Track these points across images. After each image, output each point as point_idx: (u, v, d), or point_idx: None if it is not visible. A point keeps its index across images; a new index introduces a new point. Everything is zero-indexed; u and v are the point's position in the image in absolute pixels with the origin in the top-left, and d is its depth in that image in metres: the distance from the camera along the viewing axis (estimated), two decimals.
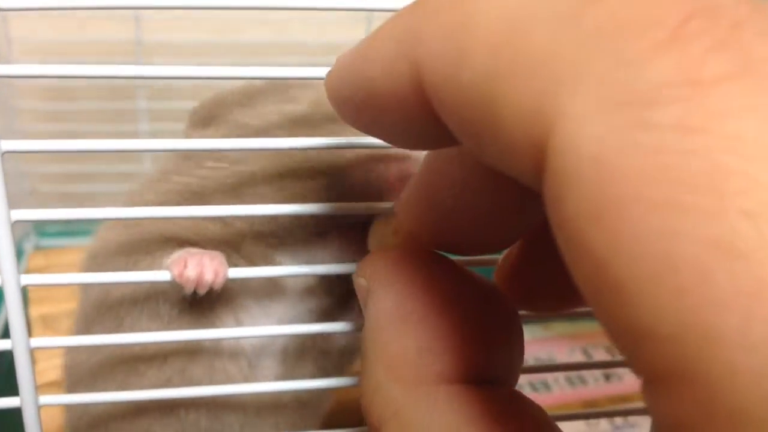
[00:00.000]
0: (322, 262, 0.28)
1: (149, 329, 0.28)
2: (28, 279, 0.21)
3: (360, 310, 0.19)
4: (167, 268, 0.25)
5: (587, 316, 0.23)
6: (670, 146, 0.09)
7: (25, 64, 0.65)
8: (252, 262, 0.29)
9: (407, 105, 0.14)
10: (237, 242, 0.28)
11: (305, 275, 0.27)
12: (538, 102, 0.11)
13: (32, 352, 0.22)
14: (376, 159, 0.27)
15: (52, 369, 0.41)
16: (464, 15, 0.12)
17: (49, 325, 0.50)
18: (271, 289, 0.29)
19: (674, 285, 0.09)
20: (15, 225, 0.20)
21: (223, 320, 0.29)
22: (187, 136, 0.31)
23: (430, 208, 0.19)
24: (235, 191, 0.28)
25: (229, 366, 0.29)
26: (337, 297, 0.30)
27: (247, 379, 0.30)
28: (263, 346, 0.30)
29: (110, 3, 0.20)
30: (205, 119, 0.31)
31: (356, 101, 0.15)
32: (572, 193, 0.10)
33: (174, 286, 0.25)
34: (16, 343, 0.21)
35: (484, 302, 0.18)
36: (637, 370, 0.10)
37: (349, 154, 0.28)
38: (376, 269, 0.18)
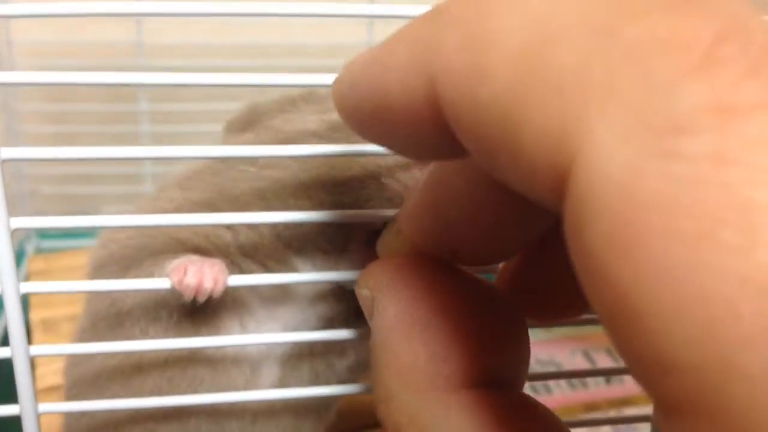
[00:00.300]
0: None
1: (149, 333, 0.28)
2: (27, 287, 0.21)
3: None
4: (167, 275, 0.25)
5: (589, 320, 0.23)
6: (701, 177, 0.09)
7: (26, 66, 0.64)
8: (267, 268, 0.28)
9: (421, 119, 0.13)
10: (251, 247, 0.28)
11: (309, 282, 0.27)
12: (563, 123, 0.10)
13: (32, 359, 0.22)
14: (401, 166, 0.27)
15: (52, 374, 0.41)
16: (485, 27, 0.12)
17: (49, 328, 0.50)
18: (280, 293, 0.29)
19: (699, 319, 0.09)
20: (15, 230, 0.20)
21: (226, 323, 0.29)
22: (224, 140, 0.31)
23: (433, 219, 0.18)
24: (259, 196, 0.28)
25: (232, 369, 0.29)
26: (349, 304, 0.29)
27: (248, 383, 0.29)
28: (268, 349, 0.30)
29: (112, 10, 0.19)
30: (244, 126, 0.31)
31: (366, 112, 0.15)
32: (596, 222, 0.10)
33: (174, 293, 0.25)
34: (15, 351, 0.21)
35: (489, 304, 0.18)
36: (654, 399, 0.10)
37: (373, 163, 0.27)
38: (379, 279, 0.18)
